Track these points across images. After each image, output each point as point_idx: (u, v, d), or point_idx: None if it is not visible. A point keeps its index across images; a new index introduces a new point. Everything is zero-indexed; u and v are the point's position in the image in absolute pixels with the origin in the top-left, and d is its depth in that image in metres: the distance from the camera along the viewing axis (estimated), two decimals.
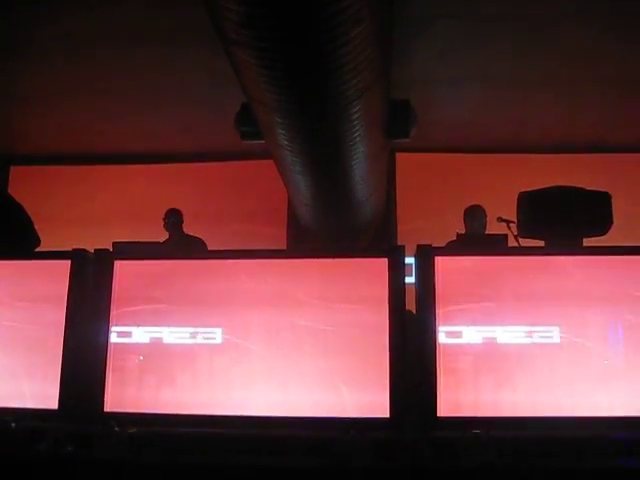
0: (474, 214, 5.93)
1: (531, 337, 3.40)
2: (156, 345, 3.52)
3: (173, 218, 6.60)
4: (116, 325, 3.55)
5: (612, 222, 3.99)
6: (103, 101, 7.16)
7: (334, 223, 6.92)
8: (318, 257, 3.72)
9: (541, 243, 4.02)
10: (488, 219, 6.01)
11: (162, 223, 6.66)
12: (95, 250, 3.71)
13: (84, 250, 3.70)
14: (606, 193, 4.05)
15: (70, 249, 3.70)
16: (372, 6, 3.58)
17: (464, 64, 6.40)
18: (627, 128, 7.60)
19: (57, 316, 3.55)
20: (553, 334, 3.40)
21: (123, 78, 6.68)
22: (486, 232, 5.92)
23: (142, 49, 6.15)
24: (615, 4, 5.43)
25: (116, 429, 3.25)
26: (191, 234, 6.66)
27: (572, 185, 4.07)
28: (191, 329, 3.52)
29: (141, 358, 3.53)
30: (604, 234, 3.97)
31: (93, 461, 3.21)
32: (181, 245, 6.37)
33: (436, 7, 5.57)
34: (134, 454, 3.22)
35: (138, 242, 5.86)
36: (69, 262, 3.62)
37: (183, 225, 6.68)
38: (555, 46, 6.05)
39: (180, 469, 3.17)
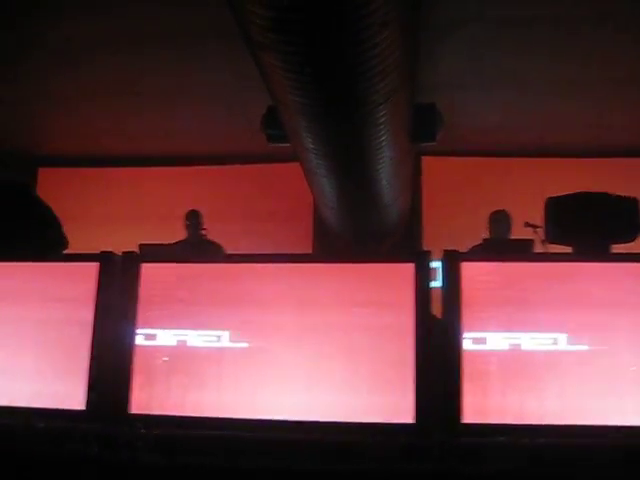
0: (499, 219, 5.91)
1: (557, 344, 3.37)
2: (182, 348, 3.54)
3: (194, 220, 6.63)
4: (142, 327, 3.57)
5: None
6: (129, 103, 7.22)
7: (360, 226, 6.93)
8: (344, 262, 3.73)
9: (568, 249, 3.99)
10: (515, 223, 5.97)
11: (183, 224, 6.69)
12: (123, 253, 3.74)
13: (111, 253, 3.73)
14: (635, 199, 4.00)
15: (98, 251, 3.74)
16: (399, 9, 3.58)
17: (490, 68, 6.38)
18: None
19: (85, 318, 3.59)
20: (579, 341, 3.38)
21: (149, 80, 6.74)
22: (512, 237, 5.89)
23: (168, 50, 6.19)
24: None
25: (142, 431, 3.28)
26: (209, 238, 6.67)
27: (600, 191, 4.04)
28: (217, 332, 3.53)
29: (165, 359, 3.55)
30: (633, 240, 3.93)
31: (118, 462, 3.24)
32: (198, 247, 6.40)
33: (462, 10, 5.55)
34: (159, 455, 3.24)
35: (164, 244, 5.92)
36: (97, 264, 3.65)
37: (203, 227, 6.69)
38: (585, 49, 6.01)
39: (205, 471, 3.19)
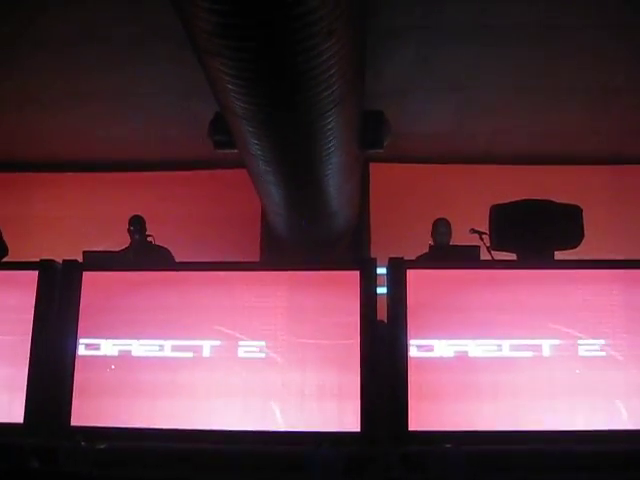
0: (437, 227, 5.95)
1: (502, 350, 3.40)
2: (125, 358, 3.48)
3: (139, 225, 6.48)
4: (84, 337, 3.49)
5: (583, 235, 4.01)
6: (72, 108, 7.06)
7: (307, 233, 6.89)
8: (290, 269, 3.71)
9: (513, 255, 4.03)
10: (461, 230, 5.99)
11: (127, 230, 6.51)
12: (63, 261, 3.66)
13: (52, 260, 3.65)
14: (577, 207, 4.07)
15: (38, 259, 3.65)
16: (344, 19, 3.57)
17: (437, 75, 6.40)
18: (599, 140, 7.66)
19: (24, 328, 3.50)
20: (524, 347, 3.41)
21: (93, 84, 6.60)
22: (454, 243, 5.92)
23: (115, 54, 6.07)
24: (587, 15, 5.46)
25: (82, 443, 3.20)
26: (156, 243, 6.53)
27: (544, 198, 4.09)
28: (160, 342, 3.48)
29: (113, 367, 3.48)
30: (575, 247, 3.99)
31: (58, 476, 3.16)
32: (145, 253, 6.26)
33: (409, 18, 5.56)
34: (100, 469, 3.17)
35: (108, 251, 5.79)
36: (36, 273, 3.56)
37: (147, 233, 6.54)
38: (527, 58, 6.07)
39: None
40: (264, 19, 3.34)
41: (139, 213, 6.66)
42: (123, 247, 6.22)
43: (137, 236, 6.27)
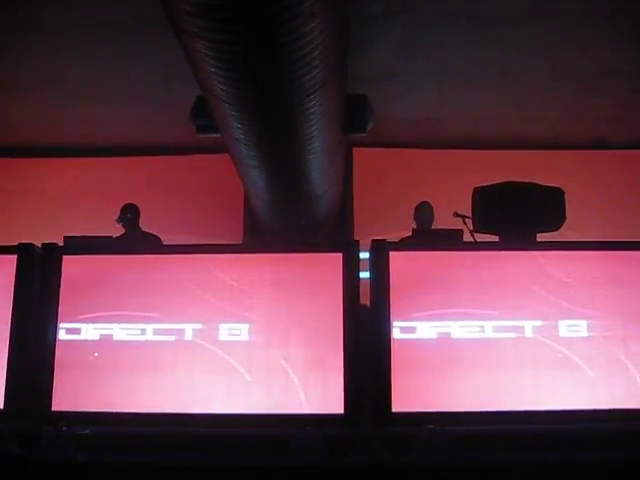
0: (419, 211, 5.96)
1: (484, 332, 3.41)
2: (106, 342, 3.45)
3: (130, 214, 6.41)
4: (64, 322, 3.46)
5: (565, 218, 4.02)
6: (54, 92, 6.99)
7: (290, 217, 6.88)
8: (273, 252, 3.70)
9: (496, 238, 4.04)
10: (444, 214, 6.00)
11: (118, 218, 6.44)
12: (42, 244, 3.62)
13: (31, 244, 3.61)
14: (559, 189, 4.08)
15: (17, 243, 3.61)
16: (328, 0, 3.54)
17: (421, 60, 6.40)
18: (581, 125, 7.68)
19: (3, 312, 3.46)
20: (506, 329, 3.42)
21: (75, 68, 6.53)
22: (437, 227, 5.93)
23: (96, 37, 6.01)
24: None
25: (64, 429, 3.18)
26: (147, 231, 6.49)
27: (526, 181, 4.10)
28: (142, 325, 3.45)
29: (96, 354, 3.45)
30: (557, 229, 4.00)
31: (40, 462, 3.14)
32: (137, 242, 6.20)
33: (393, 2, 5.55)
34: (83, 454, 3.15)
35: (90, 236, 5.73)
36: (15, 257, 3.52)
37: (140, 221, 6.49)
38: (510, 42, 6.07)
39: (128, 468, 3.11)
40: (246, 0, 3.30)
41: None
42: (117, 235, 6.14)
43: (131, 225, 6.18)
